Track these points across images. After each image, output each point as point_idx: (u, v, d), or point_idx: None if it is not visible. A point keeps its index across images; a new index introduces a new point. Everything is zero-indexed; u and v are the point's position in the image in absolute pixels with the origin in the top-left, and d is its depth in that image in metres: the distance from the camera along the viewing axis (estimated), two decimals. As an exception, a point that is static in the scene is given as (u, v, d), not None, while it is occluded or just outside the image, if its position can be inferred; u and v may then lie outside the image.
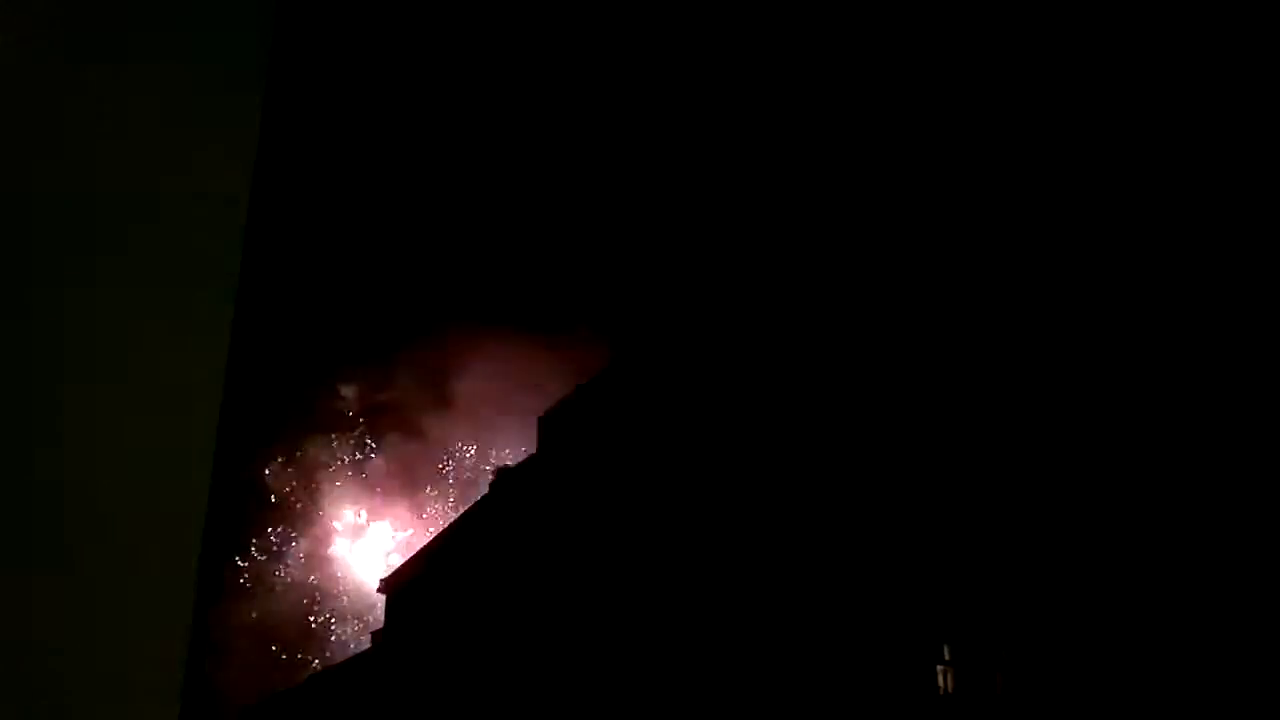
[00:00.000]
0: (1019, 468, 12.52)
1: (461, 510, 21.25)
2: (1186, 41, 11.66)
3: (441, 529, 19.57)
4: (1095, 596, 12.22)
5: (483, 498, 18.73)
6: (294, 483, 29.79)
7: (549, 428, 16.29)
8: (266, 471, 29.67)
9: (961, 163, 13.34)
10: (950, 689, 12.97)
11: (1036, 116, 12.90)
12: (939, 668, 12.83)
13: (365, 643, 21.61)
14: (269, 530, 29.31)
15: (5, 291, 1.15)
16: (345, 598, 29.04)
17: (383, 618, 19.79)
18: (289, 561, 29.09)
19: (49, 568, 1.08)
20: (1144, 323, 11.71)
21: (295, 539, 29.29)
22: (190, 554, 1.16)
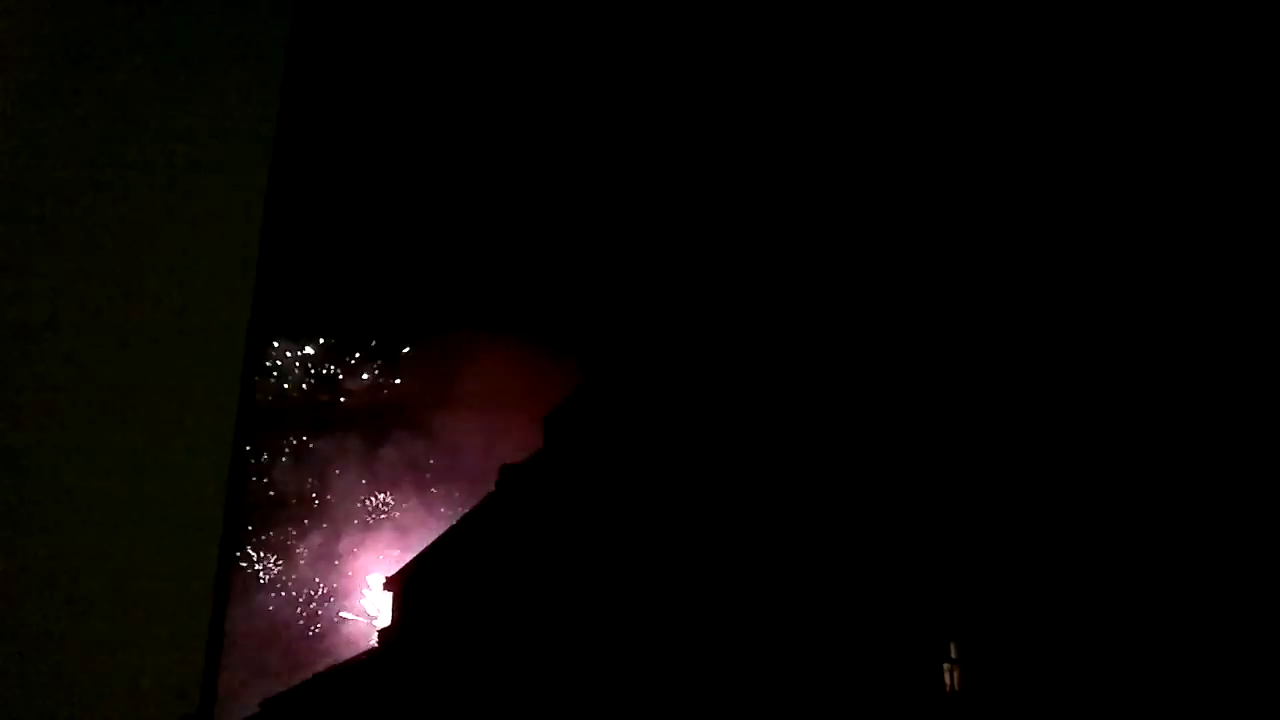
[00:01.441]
0: (1025, 468, 12.51)
1: (469, 508, 21.26)
2: (1186, 41, 11.63)
3: (448, 526, 19.59)
4: (1101, 595, 12.20)
5: (489, 495, 18.75)
6: (302, 480, 29.87)
7: (555, 425, 16.31)
8: (273, 468, 29.76)
9: (953, 163, 13.31)
10: (956, 687, 12.97)
11: (1035, 117, 12.87)
12: (945, 666, 12.83)
13: (372, 640, 21.64)
14: (276, 527, 29.38)
15: (18, 291, 1.17)
16: (353, 595, 29.09)
17: (389, 616, 19.82)
18: (297, 559, 29.15)
19: (56, 563, 1.10)
20: (1147, 324, 11.69)
21: (303, 536, 29.35)
22: (210, 552, 1.18)
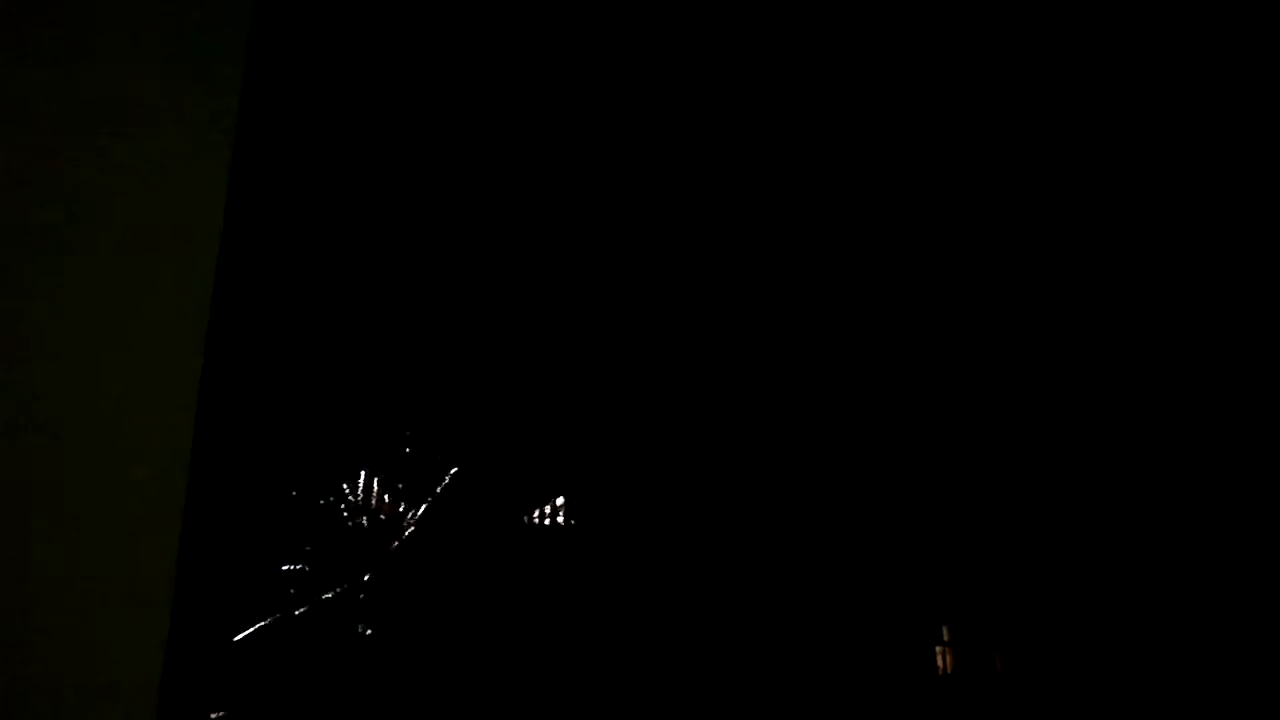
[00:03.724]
0: (1017, 449, 12.56)
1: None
2: (1186, 42, 11.60)
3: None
4: (1095, 577, 12.27)
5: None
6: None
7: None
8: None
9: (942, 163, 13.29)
10: (949, 670, 13.04)
11: (1036, 117, 12.85)
12: (937, 649, 12.88)
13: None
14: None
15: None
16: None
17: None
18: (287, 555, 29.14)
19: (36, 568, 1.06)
20: (1135, 318, 11.75)
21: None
22: (170, 548, 1.15)
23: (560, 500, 13.50)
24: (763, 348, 13.65)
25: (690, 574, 12.57)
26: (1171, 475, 10.93)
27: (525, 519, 13.27)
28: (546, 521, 13.12)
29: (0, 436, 1.10)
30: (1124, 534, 11.17)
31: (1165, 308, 11.30)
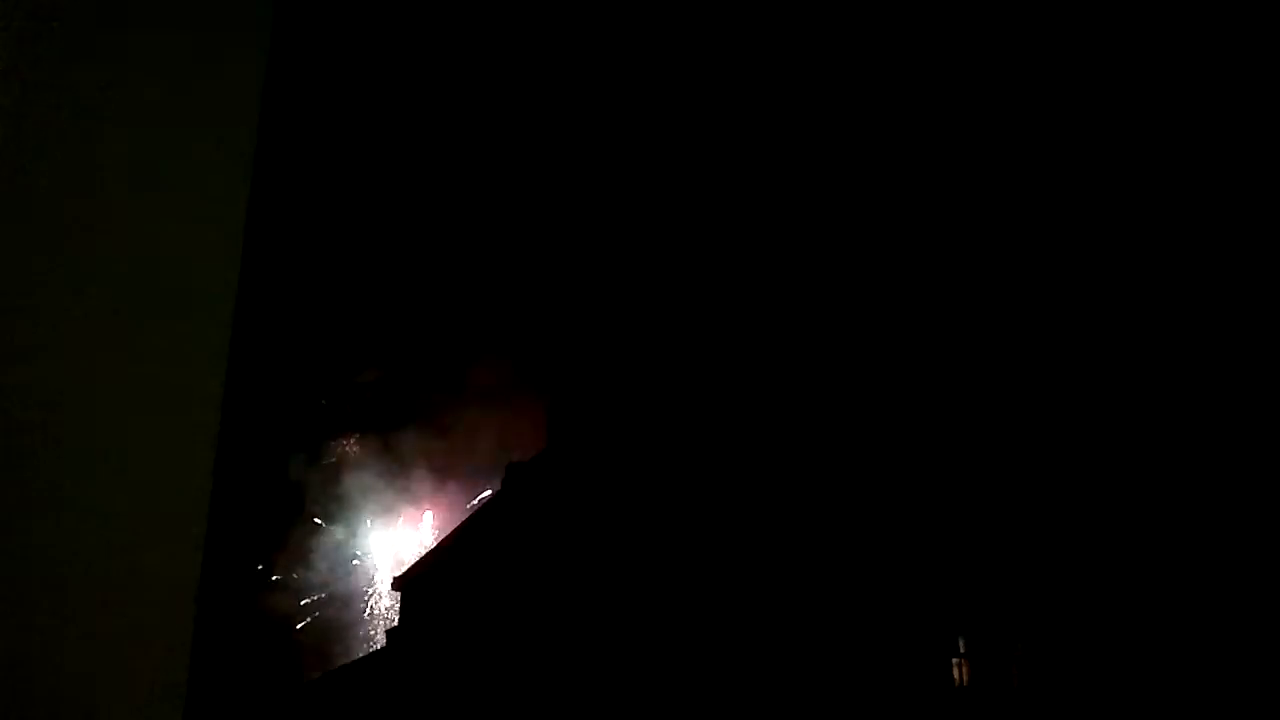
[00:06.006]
0: (1033, 464, 12.47)
1: (476, 506, 21.30)
2: (1186, 41, 11.55)
3: (456, 525, 19.61)
4: (1108, 591, 12.16)
5: (495, 493, 18.76)
6: (316, 482, 29.90)
7: (557, 422, 16.28)
8: (289, 470, 29.81)
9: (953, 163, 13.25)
10: (965, 682, 12.94)
11: (1036, 117, 12.80)
12: (954, 661, 12.80)
13: (381, 640, 21.67)
14: (289, 530, 29.43)
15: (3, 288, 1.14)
16: (362, 595, 29.15)
17: (398, 615, 19.84)
18: (309, 559, 29.23)
19: (45, 571, 1.07)
20: (1148, 324, 11.65)
21: (315, 538, 29.42)
22: (192, 556, 1.16)
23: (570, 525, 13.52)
24: (780, 362, 13.54)
25: (710, 589, 12.48)
26: (1185, 494, 10.80)
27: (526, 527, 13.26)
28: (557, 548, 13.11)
29: (4, 441, 1.11)
30: (1139, 551, 11.03)
31: (1199, 335, 11.19)
